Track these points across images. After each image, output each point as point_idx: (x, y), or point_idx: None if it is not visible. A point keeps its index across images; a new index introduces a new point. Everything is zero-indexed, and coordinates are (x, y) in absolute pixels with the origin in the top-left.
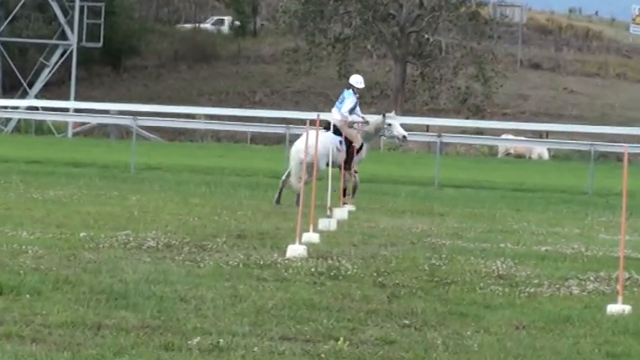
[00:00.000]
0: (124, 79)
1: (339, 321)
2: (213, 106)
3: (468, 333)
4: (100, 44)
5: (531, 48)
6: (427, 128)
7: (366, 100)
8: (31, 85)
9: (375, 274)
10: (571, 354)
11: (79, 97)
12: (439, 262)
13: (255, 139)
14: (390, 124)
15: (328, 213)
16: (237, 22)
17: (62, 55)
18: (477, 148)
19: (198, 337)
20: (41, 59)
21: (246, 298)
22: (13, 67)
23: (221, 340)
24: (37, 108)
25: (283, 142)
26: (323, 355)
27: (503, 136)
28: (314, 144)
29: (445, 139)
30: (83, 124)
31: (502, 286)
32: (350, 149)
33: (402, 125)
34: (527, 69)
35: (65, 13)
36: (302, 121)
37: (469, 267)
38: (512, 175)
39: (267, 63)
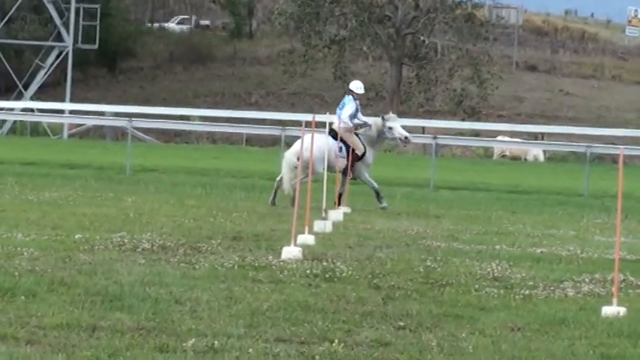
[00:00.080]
0: (120, 81)
1: (334, 323)
2: (209, 108)
3: (463, 335)
4: (96, 46)
5: (527, 50)
6: (423, 130)
7: (362, 102)
8: (26, 86)
9: (370, 276)
10: (566, 356)
11: (74, 99)
12: (434, 264)
13: (251, 140)
14: (390, 127)
15: (323, 215)
16: (202, 22)
17: (58, 56)
18: (473, 149)
19: (193, 339)
20: (37, 61)
21: (241, 299)
22: (9, 68)
23: (216, 342)
24: (32, 109)
25: (279, 143)
26: (318, 357)
27: (499, 138)
28: (316, 145)
29: (441, 141)
30: (79, 125)
31: (497, 288)
32: (352, 156)
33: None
34: (523, 71)
35: (61, 14)
36: (298, 123)
37: (464, 269)
38: (508, 177)
39: (263, 65)
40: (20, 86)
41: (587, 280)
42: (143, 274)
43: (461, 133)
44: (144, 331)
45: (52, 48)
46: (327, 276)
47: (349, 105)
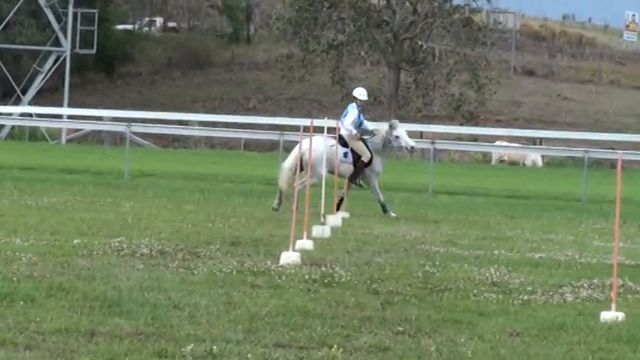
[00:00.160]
0: (118, 86)
1: (332, 328)
2: (207, 113)
3: (462, 340)
4: (94, 51)
5: (525, 54)
6: (421, 135)
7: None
8: (24, 91)
9: (368, 281)
10: None
11: (72, 104)
12: (433, 269)
13: (249, 145)
14: (397, 136)
15: (322, 220)
16: (170, 24)
17: (56, 61)
18: (471, 154)
19: (192, 344)
20: (35, 66)
21: (239, 305)
22: (7, 73)
23: (215, 347)
24: (30, 114)
25: (277, 148)
26: None
27: (497, 143)
28: (314, 148)
29: (439, 146)
30: (77, 130)
31: (496, 293)
32: (358, 163)
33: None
34: (521, 75)
35: (59, 19)
36: (296, 128)
37: (463, 274)
38: (506, 182)
39: (261, 70)
40: (18, 91)
41: (585, 285)
42: (142, 280)
43: (459, 138)
44: (142, 336)
45: (49, 53)
46: (325, 281)
47: (352, 112)
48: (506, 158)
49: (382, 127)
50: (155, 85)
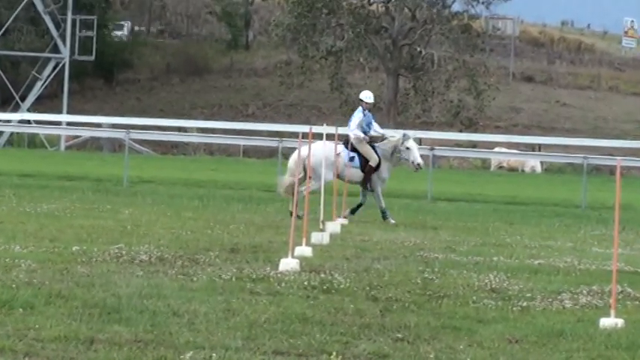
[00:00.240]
0: (117, 93)
1: (332, 335)
2: (206, 119)
3: (461, 347)
4: (93, 57)
5: (524, 61)
6: (420, 141)
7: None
8: (23, 98)
9: (367, 288)
10: None
11: (71, 111)
12: (432, 276)
13: (248, 152)
14: (408, 148)
15: (321, 227)
16: (137, 28)
17: (54, 68)
18: (470, 161)
19: (191, 352)
20: (33, 72)
21: (239, 312)
22: (6, 80)
23: (214, 354)
24: (29, 121)
25: (276, 155)
26: None
27: (496, 149)
28: (313, 153)
29: (438, 152)
30: (76, 137)
31: (495, 300)
32: (367, 167)
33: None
34: (520, 82)
35: (57, 26)
36: (295, 134)
37: (462, 281)
38: (505, 189)
39: (260, 76)
40: (17, 98)
41: (584, 291)
42: (141, 287)
43: (458, 144)
44: (142, 343)
45: (48, 59)
46: (324, 288)
47: (356, 115)
48: (505, 165)
49: (395, 133)
50: (154, 91)
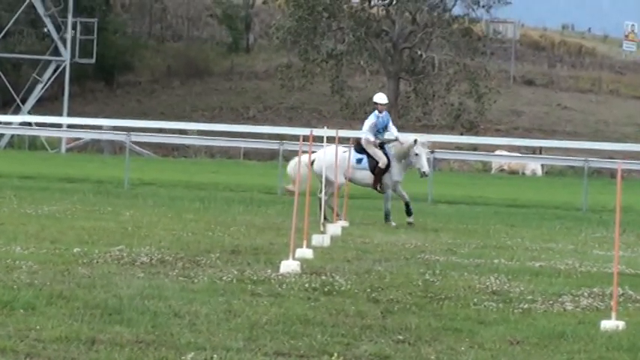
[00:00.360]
0: (117, 95)
1: (333, 336)
2: (207, 122)
3: (462, 349)
4: (93, 60)
5: (524, 64)
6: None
7: (360, 116)
8: (24, 100)
9: (369, 290)
10: None
11: (72, 113)
12: (433, 278)
13: (249, 154)
14: (417, 154)
15: (322, 229)
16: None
17: (55, 70)
18: (471, 164)
19: (192, 353)
20: (34, 75)
21: (240, 313)
22: (6, 82)
23: (215, 356)
24: (30, 124)
25: (277, 157)
26: None
27: (497, 152)
28: (327, 158)
29: (438, 155)
30: (76, 139)
31: (496, 301)
32: (376, 169)
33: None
34: (521, 85)
35: (58, 29)
36: (295, 137)
37: (463, 283)
38: (506, 191)
39: (261, 79)
40: (18, 100)
41: (585, 294)
42: (142, 288)
43: (459, 147)
44: (143, 344)
45: (49, 62)
46: (325, 290)
47: (370, 119)
48: (506, 167)
49: (407, 137)
50: (155, 94)
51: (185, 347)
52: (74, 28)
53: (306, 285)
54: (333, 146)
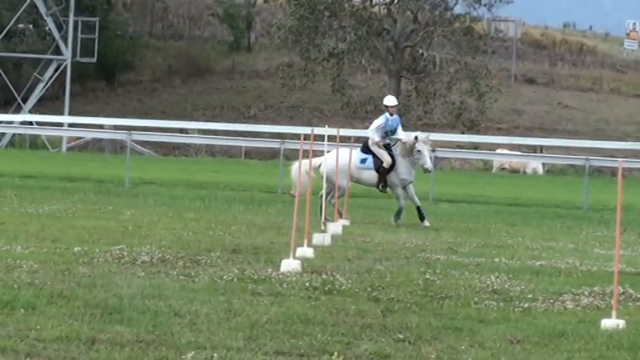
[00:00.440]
0: (119, 94)
1: (333, 335)
2: (208, 121)
3: (463, 347)
4: (94, 59)
5: (525, 63)
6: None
7: (361, 114)
8: (25, 100)
9: (369, 289)
10: None
11: (73, 112)
12: (433, 277)
13: (250, 153)
14: (419, 151)
15: (322, 228)
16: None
17: (56, 70)
18: (472, 162)
19: (193, 352)
20: (35, 74)
21: (240, 312)
22: (8, 81)
23: (215, 355)
24: (31, 123)
25: (278, 156)
26: None
27: (498, 151)
28: (329, 161)
29: (439, 154)
30: (77, 138)
31: (496, 300)
32: (380, 169)
33: None
34: (522, 84)
35: (59, 28)
36: (296, 136)
37: (463, 282)
38: (507, 190)
39: (262, 78)
40: (19, 99)
41: (586, 292)
42: (142, 287)
43: (460, 146)
44: (143, 343)
45: (50, 61)
46: (326, 289)
47: (378, 120)
48: (507, 166)
49: (408, 135)
50: (156, 93)
51: (185, 346)
52: (75, 27)
53: (307, 284)
54: (342, 149)
